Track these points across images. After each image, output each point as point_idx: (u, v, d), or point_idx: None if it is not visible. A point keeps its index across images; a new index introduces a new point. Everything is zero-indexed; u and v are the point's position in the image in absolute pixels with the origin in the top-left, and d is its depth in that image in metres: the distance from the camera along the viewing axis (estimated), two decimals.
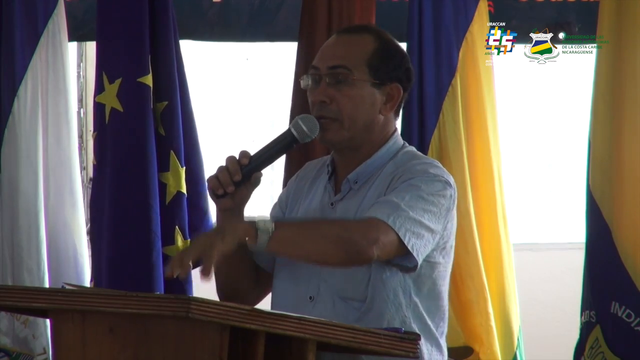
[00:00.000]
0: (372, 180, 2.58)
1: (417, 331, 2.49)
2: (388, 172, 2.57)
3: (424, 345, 2.54)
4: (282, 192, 2.78)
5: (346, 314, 2.49)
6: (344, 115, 2.55)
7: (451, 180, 2.55)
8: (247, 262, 2.65)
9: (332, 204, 2.60)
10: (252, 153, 2.50)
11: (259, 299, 2.70)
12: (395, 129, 2.66)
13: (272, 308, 2.63)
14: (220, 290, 2.66)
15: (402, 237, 2.42)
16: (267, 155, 2.51)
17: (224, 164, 2.49)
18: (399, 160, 2.59)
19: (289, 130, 2.53)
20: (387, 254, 2.44)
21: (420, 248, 2.46)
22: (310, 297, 2.55)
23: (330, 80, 2.56)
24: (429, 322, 2.56)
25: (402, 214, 2.43)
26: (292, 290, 2.57)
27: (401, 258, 2.47)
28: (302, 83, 2.62)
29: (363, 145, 2.60)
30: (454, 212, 2.56)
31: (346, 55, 2.57)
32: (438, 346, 2.58)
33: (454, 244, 2.61)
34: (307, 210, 2.65)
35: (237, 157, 2.48)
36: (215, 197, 2.50)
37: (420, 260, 2.47)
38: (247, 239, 2.35)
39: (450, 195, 2.53)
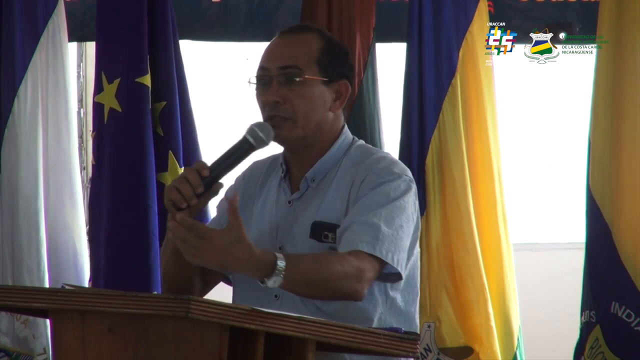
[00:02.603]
0: (330, 177, 2.61)
1: (394, 324, 2.55)
2: (346, 168, 2.61)
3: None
4: (229, 189, 2.77)
5: (317, 314, 2.49)
6: (298, 115, 2.57)
7: (409, 173, 2.61)
8: (188, 266, 2.58)
9: (289, 202, 2.63)
10: (208, 164, 2.49)
11: (203, 295, 2.69)
12: (344, 124, 2.69)
13: None
14: (165, 289, 2.65)
15: (389, 261, 2.49)
16: (225, 165, 2.50)
17: (180, 175, 2.47)
18: (354, 156, 2.63)
19: (244, 138, 2.53)
20: (373, 280, 2.51)
21: (403, 260, 2.53)
22: (276, 296, 2.56)
23: (282, 80, 2.57)
24: (409, 309, 2.62)
25: (384, 239, 2.48)
26: (254, 289, 2.54)
27: (386, 272, 2.53)
28: (251, 85, 2.63)
29: (315, 143, 2.62)
30: (417, 202, 2.62)
31: (296, 54, 2.59)
32: (415, 328, 2.64)
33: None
34: (262, 209, 2.67)
35: (196, 169, 2.46)
36: (174, 209, 2.45)
37: (404, 271, 2.54)
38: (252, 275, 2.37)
39: (414, 192, 2.59)
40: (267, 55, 2.63)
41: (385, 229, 2.49)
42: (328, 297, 2.48)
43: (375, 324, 2.55)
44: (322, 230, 2.55)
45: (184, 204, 2.44)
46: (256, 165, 2.76)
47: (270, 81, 2.58)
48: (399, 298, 2.60)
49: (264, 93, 2.59)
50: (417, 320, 2.66)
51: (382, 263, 2.49)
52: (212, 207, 4.05)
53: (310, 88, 2.58)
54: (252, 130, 2.52)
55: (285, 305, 2.53)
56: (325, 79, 2.59)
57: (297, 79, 2.56)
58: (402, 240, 2.52)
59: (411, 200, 2.57)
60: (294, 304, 2.53)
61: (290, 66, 2.57)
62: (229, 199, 2.45)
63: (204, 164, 2.47)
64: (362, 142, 2.70)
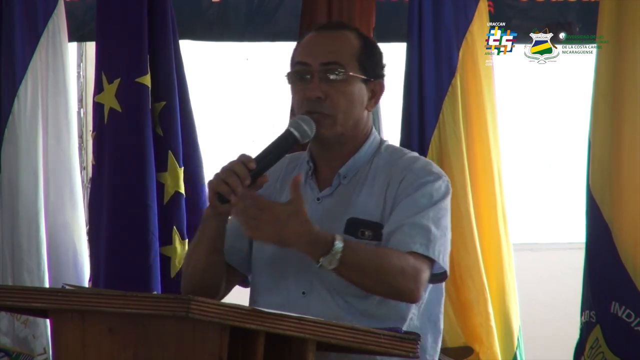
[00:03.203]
0: (361, 175, 2.61)
1: (422, 325, 2.56)
2: (378, 166, 2.61)
3: (430, 336, 2.60)
4: None
5: (347, 309, 2.50)
6: (338, 112, 2.56)
7: (445, 174, 2.63)
8: (221, 261, 2.62)
9: (318, 199, 2.61)
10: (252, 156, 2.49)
11: (223, 296, 2.68)
12: (372, 124, 2.70)
13: (254, 305, 2.62)
14: (190, 286, 2.61)
15: (440, 262, 2.52)
16: (270, 158, 2.50)
17: (225, 167, 2.45)
18: (385, 155, 2.64)
19: (288, 131, 2.52)
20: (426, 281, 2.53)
21: (447, 259, 2.56)
22: (303, 293, 2.55)
23: (324, 76, 2.56)
24: (435, 310, 2.62)
25: (435, 240, 2.51)
26: (280, 287, 2.56)
27: (433, 272, 2.55)
28: (288, 79, 2.61)
29: (349, 140, 2.62)
30: None
31: (338, 51, 2.58)
32: (440, 332, 2.64)
33: None
34: None
35: (242, 161, 2.45)
36: (219, 202, 2.45)
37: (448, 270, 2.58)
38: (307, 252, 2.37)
39: (450, 191, 2.61)
40: (307, 51, 2.61)
41: (435, 230, 2.51)
42: (382, 291, 2.46)
43: (406, 324, 2.54)
44: (359, 227, 2.54)
45: (232, 196, 2.42)
46: (274, 166, 2.70)
47: (311, 77, 2.57)
48: (427, 299, 2.60)
49: (304, 88, 2.57)
50: (442, 322, 2.65)
51: (432, 265, 2.51)
52: None
53: (351, 86, 2.57)
54: (296, 123, 2.52)
55: (313, 301, 2.53)
56: (364, 77, 2.59)
57: (341, 76, 2.56)
58: (448, 241, 2.56)
59: (449, 201, 2.59)
60: (322, 300, 2.52)
61: (333, 62, 2.56)
62: (295, 181, 2.43)
63: (250, 157, 2.46)
64: (389, 142, 2.71)
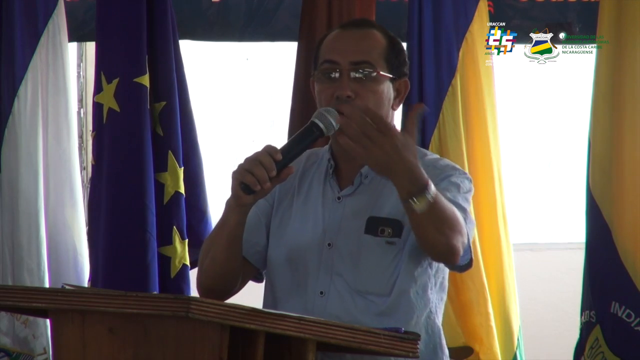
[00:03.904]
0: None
1: (427, 323, 2.54)
2: None
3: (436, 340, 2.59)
4: None
5: (366, 308, 2.49)
6: None
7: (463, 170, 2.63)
8: (239, 254, 2.58)
9: (338, 199, 2.59)
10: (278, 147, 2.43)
11: (235, 293, 2.65)
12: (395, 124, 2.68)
13: (268, 304, 2.61)
14: (210, 280, 2.57)
15: (469, 244, 2.49)
16: (295, 151, 2.45)
17: (250, 158, 2.39)
18: None
19: (313, 123, 2.45)
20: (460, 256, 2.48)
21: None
22: (321, 292, 2.53)
23: (354, 75, 2.54)
24: (437, 310, 2.60)
25: (468, 222, 2.48)
26: (298, 287, 2.55)
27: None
28: (316, 77, 2.58)
29: None
30: None
31: (367, 49, 2.56)
32: (438, 330, 2.61)
33: None
34: (304, 205, 2.62)
35: (268, 152, 2.40)
36: (244, 193, 2.40)
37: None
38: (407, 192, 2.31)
39: (473, 191, 2.60)
40: (335, 49, 2.58)
41: (469, 214, 2.50)
42: (440, 242, 2.38)
43: (423, 320, 2.53)
44: (378, 225, 2.52)
45: (257, 186, 2.37)
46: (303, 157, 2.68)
47: (341, 75, 2.55)
48: (433, 300, 2.58)
49: (332, 86, 2.54)
50: (440, 321, 2.62)
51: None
52: (214, 206, 4.07)
53: (380, 84, 2.55)
54: (321, 115, 2.45)
55: (331, 301, 2.51)
56: (392, 76, 2.58)
57: (371, 75, 2.54)
58: (473, 226, 2.55)
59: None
60: (340, 300, 2.51)
61: (363, 62, 2.54)
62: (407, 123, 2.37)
63: (275, 148, 2.41)
64: None
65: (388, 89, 2.58)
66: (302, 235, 2.57)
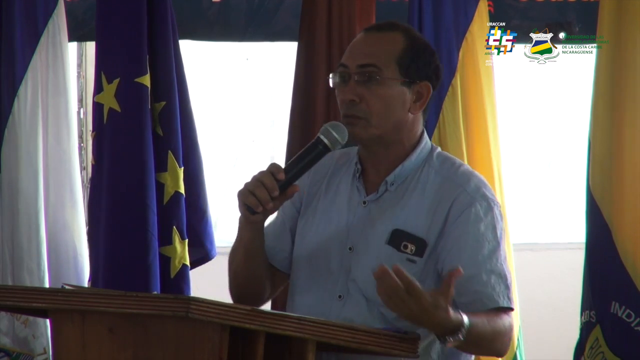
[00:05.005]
0: (410, 183, 2.56)
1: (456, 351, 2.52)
2: (428, 176, 2.57)
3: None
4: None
5: (380, 319, 2.48)
6: (372, 114, 2.53)
7: (493, 194, 2.60)
8: (265, 266, 2.63)
9: (364, 203, 2.58)
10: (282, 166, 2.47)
11: (270, 298, 2.69)
12: (423, 129, 2.65)
13: (290, 304, 2.61)
14: (236, 290, 2.63)
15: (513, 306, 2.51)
16: (300, 167, 2.47)
17: (254, 177, 2.43)
18: (436, 165, 2.59)
19: (318, 139, 2.48)
20: None
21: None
22: (340, 296, 2.53)
23: (360, 78, 2.53)
24: None
25: (506, 289, 2.48)
26: (317, 288, 2.55)
27: None
28: (331, 81, 2.58)
29: (393, 144, 2.58)
30: None
31: (376, 53, 2.55)
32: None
33: None
34: (330, 206, 2.62)
35: (271, 172, 2.43)
36: (249, 213, 2.44)
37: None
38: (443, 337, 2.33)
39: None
40: (349, 52, 2.59)
41: (508, 273, 2.50)
42: (485, 354, 2.53)
43: (437, 346, 2.51)
44: (402, 240, 2.50)
45: (259, 208, 2.42)
46: (323, 159, 2.64)
47: (349, 79, 2.54)
48: None
49: (342, 90, 2.55)
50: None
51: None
52: (214, 206, 4.07)
53: (388, 88, 2.54)
54: (326, 131, 2.48)
55: (348, 305, 2.51)
56: (405, 80, 2.55)
57: (375, 78, 2.52)
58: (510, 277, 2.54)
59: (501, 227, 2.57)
60: (357, 305, 2.50)
61: (369, 65, 2.53)
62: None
63: (279, 167, 2.44)
64: (439, 149, 2.67)
65: (401, 93, 2.56)
66: (326, 235, 2.57)
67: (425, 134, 2.65)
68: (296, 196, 2.59)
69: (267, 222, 2.61)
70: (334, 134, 2.47)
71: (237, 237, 2.57)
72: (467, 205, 2.51)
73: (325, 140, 2.47)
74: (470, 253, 2.48)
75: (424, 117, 2.65)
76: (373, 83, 2.53)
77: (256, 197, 2.41)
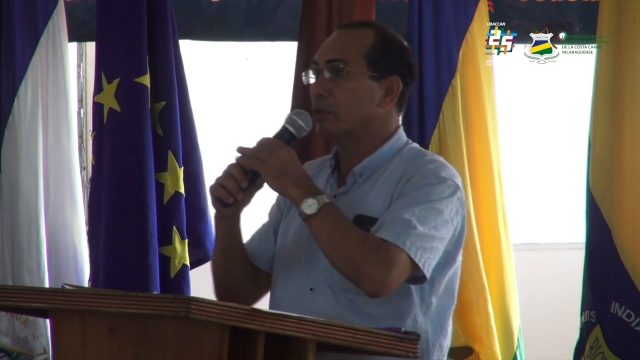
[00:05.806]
0: (378, 174, 2.58)
1: (429, 330, 2.53)
2: (395, 167, 2.57)
3: (434, 343, 2.57)
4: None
5: (349, 307, 2.49)
6: (340, 108, 2.55)
7: (459, 181, 2.56)
8: (246, 264, 2.65)
9: (334, 196, 2.60)
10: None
11: (257, 300, 2.69)
12: (399, 125, 2.66)
13: (271, 300, 2.64)
14: (217, 291, 2.65)
15: (413, 257, 2.42)
16: None
17: (223, 170, 2.46)
18: (405, 156, 2.60)
19: (284, 127, 2.52)
20: (401, 279, 2.44)
21: (431, 261, 2.47)
22: (311, 289, 2.54)
23: (328, 73, 2.56)
24: (444, 316, 2.58)
25: (412, 232, 2.42)
26: (292, 281, 2.57)
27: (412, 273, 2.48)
28: (304, 79, 2.62)
29: (364, 138, 2.60)
30: (465, 211, 2.57)
31: (343, 48, 2.58)
32: (447, 337, 2.60)
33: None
34: None
35: (238, 163, 2.46)
36: (221, 206, 2.47)
37: (429, 273, 2.47)
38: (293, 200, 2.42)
39: (459, 198, 2.53)
40: (321, 49, 2.62)
41: (417, 225, 2.43)
42: (346, 270, 2.41)
43: (408, 324, 2.50)
44: (365, 224, 2.50)
45: (230, 199, 2.44)
46: (307, 166, 2.69)
47: (319, 74, 2.58)
48: (435, 304, 2.56)
49: (313, 86, 2.59)
50: (450, 328, 2.61)
51: (409, 259, 2.42)
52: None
53: (355, 82, 2.56)
54: (291, 119, 2.52)
55: (319, 297, 2.52)
56: (373, 74, 2.57)
57: (342, 72, 2.55)
58: (433, 241, 2.46)
59: (452, 206, 2.50)
60: (327, 297, 2.51)
61: (336, 59, 2.56)
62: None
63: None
64: (416, 144, 2.66)
65: (369, 87, 2.57)
66: (300, 232, 2.59)
67: (401, 130, 2.65)
68: (282, 200, 2.66)
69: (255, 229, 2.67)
70: (299, 121, 2.51)
71: (215, 235, 2.60)
72: (417, 183, 2.50)
73: (291, 129, 2.51)
74: (391, 209, 2.48)
75: (399, 112, 2.65)
76: (341, 77, 2.56)
77: (226, 189, 2.44)
